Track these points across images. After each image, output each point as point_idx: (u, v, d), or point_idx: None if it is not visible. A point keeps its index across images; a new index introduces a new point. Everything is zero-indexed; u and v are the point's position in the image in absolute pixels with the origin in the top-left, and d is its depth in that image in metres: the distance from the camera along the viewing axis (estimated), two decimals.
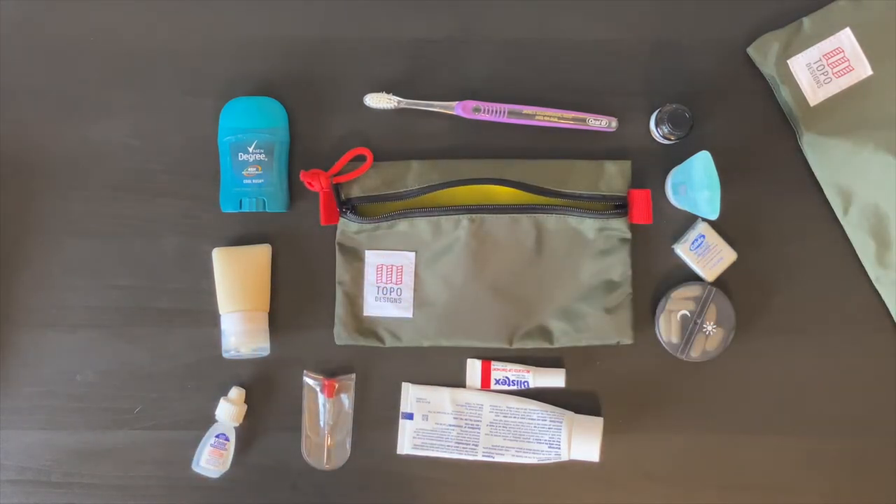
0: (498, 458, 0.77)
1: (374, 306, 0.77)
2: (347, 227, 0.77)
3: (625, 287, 0.77)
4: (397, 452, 0.78)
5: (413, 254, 0.77)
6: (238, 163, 0.78)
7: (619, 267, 0.77)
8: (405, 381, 0.78)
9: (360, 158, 0.77)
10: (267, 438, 0.78)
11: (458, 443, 0.77)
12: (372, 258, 0.77)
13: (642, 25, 0.81)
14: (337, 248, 0.78)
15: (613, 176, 0.77)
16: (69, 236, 0.80)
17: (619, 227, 0.77)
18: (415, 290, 0.77)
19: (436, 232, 0.76)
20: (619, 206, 0.77)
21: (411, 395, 0.78)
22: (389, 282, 0.77)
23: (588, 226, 0.76)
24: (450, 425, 0.77)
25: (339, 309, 0.77)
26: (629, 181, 0.77)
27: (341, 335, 0.77)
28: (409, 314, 0.77)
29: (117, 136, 0.80)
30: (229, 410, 0.76)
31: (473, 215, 0.76)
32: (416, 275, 0.77)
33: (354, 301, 0.77)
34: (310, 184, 0.76)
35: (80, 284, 0.79)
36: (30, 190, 0.80)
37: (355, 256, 0.78)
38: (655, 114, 0.78)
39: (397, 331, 0.77)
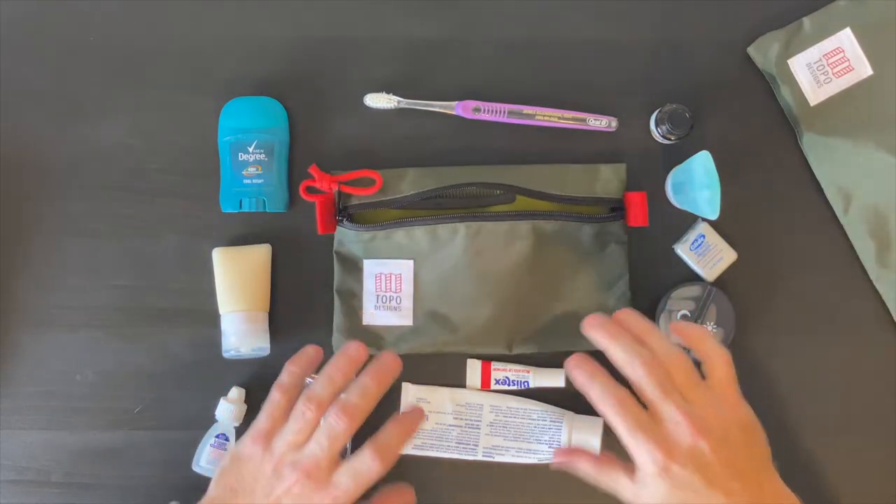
0: (498, 458, 0.77)
1: (374, 315, 0.77)
2: (344, 236, 0.77)
3: (623, 290, 0.77)
4: None
5: (411, 261, 0.77)
6: (238, 163, 0.78)
7: (616, 270, 0.77)
8: (405, 381, 0.78)
9: (369, 180, 0.77)
10: None
11: (458, 443, 0.77)
12: (370, 267, 0.77)
13: (642, 25, 0.81)
14: (335, 256, 0.78)
15: (609, 179, 0.77)
16: (69, 236, 0.80)
17: (615, 230, 0.77)
18: (414, 299, 0.77)
19: (433, 240, 0.76)
20: (615, 209, 0.77)
21: (411, 395, 0.78)
22: (388, 290, 0.77)
23: (585, 231, 0.76)
24: (450, 425, 0.77)
25: (338, 318, 0.77)
26: (624, 184, 0.77)
27: (340, 344, 0.77)
28: (410, 322, 0.77)
29: (117, 136, 0.80)
30: (229, 410, 0.76)
31: (470, 223, 0.76)
32: (415, 283, 0.77)
33: (353, 310, 0.77)
34: (313, 183, 0.76)
35: (80, 284, 0.79)
36: (30, 190, 0.80)
37: (353, 266, 0.78)
38: (655, 114, 0.78)
39: (397, 339, 0.77)
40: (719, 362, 0.65)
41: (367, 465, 0.63)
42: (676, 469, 0.60)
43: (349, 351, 0.67)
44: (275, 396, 0.67)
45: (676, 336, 0.68)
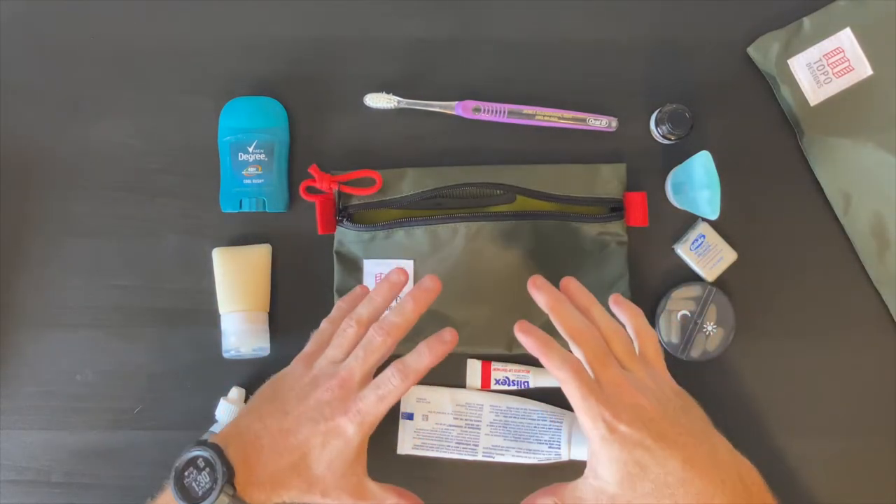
0: (498, 458, 0.77)
1: None
2: (344, 236, 0.77)
3: (623, 290, 0.77)
4: (397, 452, 0.78)
5: (411, 262, 0.77)
6: (238, 163, 0.78)
7: (616, 270, 0.77)
8: None
9: (369, 180, 0.77)
10: None
11: (458, 443, 0.77)
12: (370, 267, 0.77)
13: (642, 25, 0.81)
14: (335, 256, 0.78)
15: (608, 179, 0.77)
16: (69, 236, 0.80)
17: (615, 230, 0.77)
18: None
19: (433, 240, 0.76)
20: (615, 209, 0.77)
21: (411, 395, 0.78)
22: None
23: (585, 231, 0.76)
24: (450, 425, 0.77)
25: None
26: (624, 184, 0.77)
27: None
28: None
29: (117, 136, 0.80)
30: (229, 410, 0.76)
31: (470, 223, 0.76)
32: (416, 283, 0.77)
33: None
34: (313, 183, 0.76)
35: (80, 284, 0.79)
36: (30, 190, 0.80)
37: (353, 265, 0.78)
38: (655, 114, 0.78)
39: None
40: (650, 340, 0.69)
41: (388, 381, 0.65)
42: (623, 428, 0.61)
43: (391, 276, 0.70)
44: (322, 326, 0.71)
45: (615, 308, 0.71)
